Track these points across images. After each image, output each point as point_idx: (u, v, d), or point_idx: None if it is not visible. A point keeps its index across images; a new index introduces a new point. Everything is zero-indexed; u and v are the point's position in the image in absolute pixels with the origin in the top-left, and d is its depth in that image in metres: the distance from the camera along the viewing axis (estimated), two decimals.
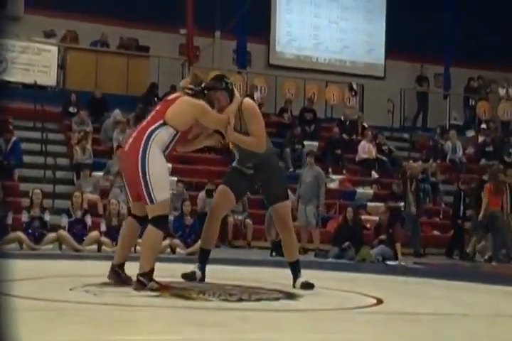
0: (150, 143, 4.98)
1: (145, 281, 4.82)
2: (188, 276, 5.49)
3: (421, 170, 14.83)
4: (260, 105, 17.08)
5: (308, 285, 5.46)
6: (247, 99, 5.52)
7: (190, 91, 5.26)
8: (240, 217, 12.84)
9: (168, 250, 10.92)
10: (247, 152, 5.47)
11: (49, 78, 15.62)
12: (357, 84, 18.63)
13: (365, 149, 16.30)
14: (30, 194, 10.84)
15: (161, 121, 5.07)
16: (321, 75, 18.61)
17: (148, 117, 5.23)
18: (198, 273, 5.53)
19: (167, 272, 5.61)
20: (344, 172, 15.98)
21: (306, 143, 16.04)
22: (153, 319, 3.81)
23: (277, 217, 5.66)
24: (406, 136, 18.59)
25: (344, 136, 16.65)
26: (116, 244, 10.61)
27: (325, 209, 13.03)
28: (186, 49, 17.12)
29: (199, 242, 10.60)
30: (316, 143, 16.44)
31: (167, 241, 10.90)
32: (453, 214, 14.11)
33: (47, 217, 10.71)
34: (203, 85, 5.35)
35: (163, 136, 5.03)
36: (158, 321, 3.75)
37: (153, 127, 5.06)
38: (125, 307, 4.13)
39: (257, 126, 5.38)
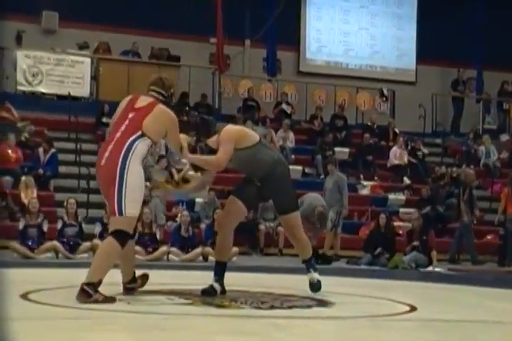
0: (130, 156, 4.71)
1: (90, 291, 4.50)
2: (208, 292, 5.22)
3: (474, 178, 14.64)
4: (290, 113, 17.14)
5: (314, 285, 5.54)
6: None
7: (161, 98, 5.06)
8: (271, 225, 12.85)
9: (201, 258, 10.96)
10: (246, 168, 5.51)
11: (82, 89, 15.83)
12: (388, 89, 18.55)
13: (397, 155, 16.22)
14: (65, 203, 10.97)
15: (140, 132, 4.79)
16: (352, 81, 18.57)
17: (122, 126, 4.85)
18: (217, 287, 5.29)
19: (201, 280, 5.64)
20: (375, 178, 15.91)
21: (336, 149, 16.01)
22: (187, 327, 3.84)
23: (286, 228, 5.72)
24: (438, 141, 18.45)
25: (372, 141, 16.57)
26: (148, 253, 10.77)
27: (347, 213, 12.92)
28: (216, 58, 17.22)
29: (232, 250, 10.73)
30: (347, 150, 16.41)
31: (199, 250, 10.96)
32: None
33: (81, 226, 10.83)
34: (171, 91, 5.18)
35: (143, 148, 4.78)
36: (191, 329, 3.77)
37: (131, 138, 4.77)
38: (158, 315, 4.16)
39: (222, 145, 5.29)
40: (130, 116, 4.89)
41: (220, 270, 5.42)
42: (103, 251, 4.74)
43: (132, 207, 4.69)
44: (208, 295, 5.17)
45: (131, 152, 4.72)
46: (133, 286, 5.17)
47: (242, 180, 5.67)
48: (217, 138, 5.38)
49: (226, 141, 5.28)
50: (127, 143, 4.74)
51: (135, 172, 4.71)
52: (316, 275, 5.59)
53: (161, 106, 4.96)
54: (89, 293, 4.49)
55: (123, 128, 4.85)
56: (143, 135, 4.80)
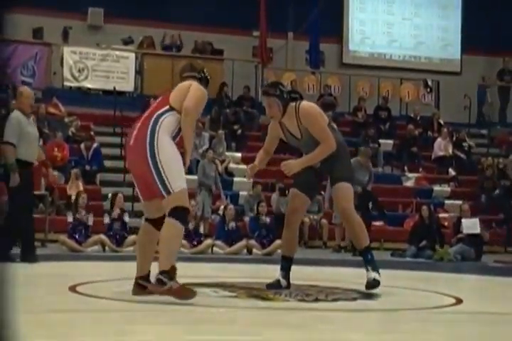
0: (157, 128, 4.41)
1: (165, 280, 4.21)
2: (273, 286, 5.19)
3: None
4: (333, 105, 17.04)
5: (372, 285, 5.13)
6: (303, 103, 5.25)
7: (198, 75, 4.77)
8: (315, 217, 12.82)
9: (245, 251, 10.99)
10: (313, 149, 5.15)
11: (127, 84, 15.96)
12: (432, 80, 18.32)
13: (441, 146, 16.01)
14: (111, 197, 11.09)
15: (167, 107, 4.52)
16: (396, 73, 18.38)
17: (151, 107, 4.70)
18: (283, 282, 5.25)
19: (245, 273, 5.67)
20: (420, 170, 15.74)
21: (381, 141, 15.88)
22: (232, 319, 3.85)
23: (337, 201, 5.33)
24: (484, 131, 18.17)
25: (417, 133, 16.39)
26: (192, 246, 10.84)
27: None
28: (259, 51, 17.21)
29: (275, 243, 10.75)
30: (391, 142, 16.26)
31: (243, 242, 10.99)
32: None
33: (127, 219, 10.94)
34: (204, 73, 4.86)
35: (171, 121, 4.47)
36: (237, 322, 3.79)
37: (158, 112, 4.51)
38: (204, 307, 4.18)
39: (316, 126, 5.10)
40: (160, 98, 4.74)
41: (286, 265, 5.30)
42: (166, 237, 4.35)
43: (176, 180, 4.33)
44: (274, 289, 5.10)
45: (158, 125, 4.43)
46: (145, 284, 4.58)
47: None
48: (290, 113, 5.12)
49: (320, 120, 5.13)
50: (154, 116, 4.49)
51: (165, 143, 4.39)
52: (372, 275, 5.15)
53: (188, 81, 4.67)
54: (163, 281, 4.21)
55: (151, 107, 4.69)
56: (171, 109, 4.51)
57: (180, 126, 4.48)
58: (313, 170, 5.26)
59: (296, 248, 5.65)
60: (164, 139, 4.39)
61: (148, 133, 4.40)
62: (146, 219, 4.70)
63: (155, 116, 4.49)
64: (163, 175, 4.30)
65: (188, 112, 4.48)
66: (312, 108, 5.26)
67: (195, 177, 12.87)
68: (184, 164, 4.54)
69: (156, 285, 4.26)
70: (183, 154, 4.58)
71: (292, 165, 5.09)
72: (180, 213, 4.31)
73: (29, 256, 6.97)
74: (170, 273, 4.25)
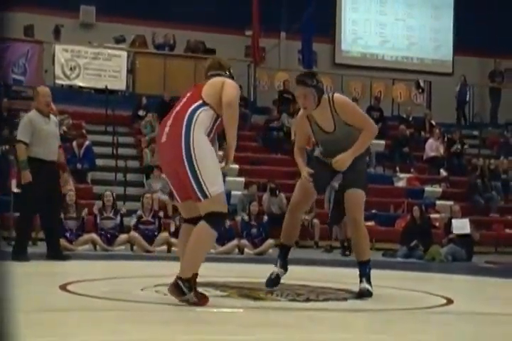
0: (192, 125, 4.14)
1: (185, 289, 4.03)
2: (273, 281, 5.14)
3: None
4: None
5: (365, 295, 4.91)
6: (336, 95, 5.07)
7: (225, 74, 4.55)
8: (307, 217, 12.83)
9: (237, 250, 11.00)
10: (334, 148, 5.04)
11: (119, 83, 15.93)
12: (424, 81, 18.38)
13: (433, 147, 16.07)
14: (102, 196, 11.08)
15: (200, 101, 4.25)
16: (388, 73, 18.46)
17: (181, 103, 4.36)
18: (281, 272, 5.22)
19: (237, 273, 5.67)
20: (412, 170, 15.80)
21: (372, 141, 15.87)
22: (226, 320, 3.85)
23: (347, 208, 5.06)
24: (475, 132, 18.24)
25: (408, 133, 16.45)
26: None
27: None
28: (252, 50, 17.21)
29: (267, 242, 10.77)
30: (383, 142, 16.29)
31: (235, 242, 10.99)
32: None
33: (118, 218, 10.93)
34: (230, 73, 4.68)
35: (206, 118, 4.21)
36: (229, 321, 3.79)
37: (192, 108, 4.22)
38: (196, 307, 4.18)
39: (357, 114, 5.09)
40: (188, 94, 4.42)
41: (284, 253, 5.30)
42: (196, 242, 4.08)
43: (214, 184, 4.08)
44: (274, 285, 5.11)
45: (193, 122, 4.15)
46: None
47: (313, 161, 5.25)
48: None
49: (358, 109, 5.17)
50: (188, 113, 4.19)
51: (201, 142, 4.12)
52: (367, 286, 4.97)
53: (220, 78, 4.45)
54: (183, 290, 4.02)
55: (182, 103, 4.35)
56: (204, 104, 4.24)
57: (213, 123, 4.25)
58: (328, 168, 5.10)
59: (296, 238, 5.59)
60: (200, 138, 4.12)
61: (184, 130, 4.12)
62: (185, 220, 4.47)
63: (189, 111, 4.20)
64: (199, 177, 4.06)
65: (231, 104, 4.24)
66: (347, 99, 5.19)
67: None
68: (227, 162, 4.36)
69: (174, 291, 4.06)
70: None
71: (344, 160, 4.91)
72: (216, 219, 4.11)
73: (20, 255, 6.98)
74: (190, 281, 4.06)
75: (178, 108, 4.31)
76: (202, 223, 4.09)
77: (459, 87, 18.30)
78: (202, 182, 4.05)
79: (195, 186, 4.07)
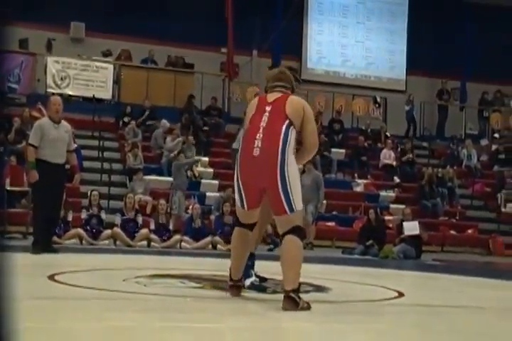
0: (287, 147, 3.96)
1: (297, 299, 3.84)
2: (259, 287, 4.71)
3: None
4: None
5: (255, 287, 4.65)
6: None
7: (287, 91, 4.22)
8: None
9: (210, 246, 10.96)
10: None
11: (105, 92, 15.84)
12: (380, 97, 18.53)
13: (387, 156, 16.21)
14: (89, 195, 10.98)
15: (288, 121, 4.03)
16: (348, 89, 18.56)
17: (263, 117, 4.07)
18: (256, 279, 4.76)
19: (210, 266, 5.64)
20: (369, 177, 15.90)
21: (333, 150, 16.00)
22: (201, 309, 3.82)
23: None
24: (425, 144, 18.45)
25: (366, 143, 16.58)
26: (163, 240, 10.77)
27: (324, 207, 12.94)
28: (227, 66, 17.23)
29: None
30: (343, 151, 16.40)
31: (209, 239, 10.96)
32: None
33: (103, 215, 10.84)
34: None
35: (293, 138, 4.03)
36: (202, 310, 3.76)
37: (283, 128, 4.01)
38: (173, 297, 4.15)
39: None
40: (268, 108, 4.10)
41: (253, 262, 4.78)
42: (294, 254, 3.96)
43: (299, 200, 4.00)
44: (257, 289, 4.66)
45: (287, 142, 3.97)
46: (241, 284, 4.39)
47: None
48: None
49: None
50: (282, 133, 3.98)
51: (293, 163, 4.00)
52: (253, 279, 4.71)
53: (294, 96, 4.19)
54: (296, 301, 3.82)
55: (265, 118, 4.06)
56: (291, 124, 4.03)
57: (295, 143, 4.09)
58: None
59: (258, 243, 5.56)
60: (292, 158, 3.99)
61: (280, 149, 3.94)
62: (242, 224, 4.24)
63: (283, 131, 3.99)
64: (290, 194, 3.95)
65: (314, 149, 4.22)
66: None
67: (170, 178, 12.87)
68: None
69: (290, 304, 3.83)
70: None
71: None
72: (301, 232, 4.01)
73: (35, 248, 7.12)
74: (299, 290, 3.93)
75: (263, 123, 4.04)
76: (292, 237, 3.95)
77: (409, 107, 18.45)
78: (291, 198, 3.95)
79: (284, 201, 3.95)
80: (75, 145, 13.24)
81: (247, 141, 4.07)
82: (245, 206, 4.13)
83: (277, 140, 3.96)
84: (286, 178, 3.93)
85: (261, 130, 4.02)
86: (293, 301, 3.82)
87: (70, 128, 7.84)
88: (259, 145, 3.98)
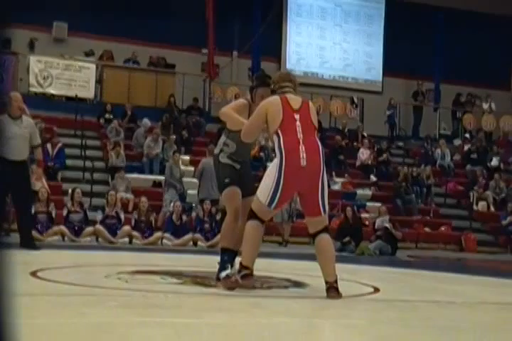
0: (322, 157, 4.42)
1: (339, 289, 4.32)
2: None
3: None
4: None
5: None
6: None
7: (293, 86, 4.64)
8: None
9: (191, 243, 10.93)
10: (246, 148, 4.85)
11: (88, 92, 15.73)
12: (358, 98, 18.60)
13: (364, 155, 16.27)
14: (71, 193, 10.89)
15: (316, 132, 4.49)
16: (326, 90, 18.61)
17: (296, 128, 4.37)
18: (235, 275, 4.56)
19: (191, 263, 5.62)
20: (346, 175, 15.94)
21: None
22: (180, 305, 3.81)
23: (247, 209, 4.61)
24: (401, 144, 18.55)
25: (343, 143, 16.65)
26: (145, 237, 10.72)
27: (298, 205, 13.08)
28: (207, 67, 17.20)
29: (218, 236, 10.70)
30: None
31: (190, 236, 10.92)
32: None
33: (85, 213, 10.76)
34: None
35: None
36: (184, 307, 3.74)
37: (318, 141, 4.44)
38: (154, 293, 4.13)
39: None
40: (296, 117, 4.41)
41: (233, 258, 4.83)
42: (332, 251, 4.54)
43: (327, 204, 4.49)
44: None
45: (321, 153, 4.42)
46: (250, 272, 4.44)
47: (227, 168, 4.82)
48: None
49: (256, 110, 4.46)
50: (320, 145, 4.43)
51: (325, 173, 4.47)
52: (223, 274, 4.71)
53: (310, 102, 4.63)
54: (339, 290, 4.32)
55: (299, 129, 4.37)
56: (317, 132, 4.51)
57: None
58: (238, 173, 4.84)
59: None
60: (325, 169, 4.47)
61: (321, 160, 4.39)
62: (259, 219, 4.43)
63: (318, 142, 4.44)
64: (324, 198, 4.44)
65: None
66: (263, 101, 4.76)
67: (151, 176, 12.84)
68: None
69: (336, 293, 4.30)
70: None
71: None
72: (329, 231, 4.59)
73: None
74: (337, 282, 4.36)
75: (300, 135, 4.35)
76: (326, 235, 4.50)
77: (390, 111, 18.49)
78: (325, 202, 4.44)
79: (321, 204, 4.42)
80: (60, 144, 13.19)
81: (291, 152, 4.32)
82: (273, 206, 4.40)
83: (318, 154, 4.37)
84: (324, 185, 4.42)
85: (301, 141, 4.34)
86: (337, 290, 4.30)
87: (32, 124, 7.65)
88: (304, 157, 4.31)
